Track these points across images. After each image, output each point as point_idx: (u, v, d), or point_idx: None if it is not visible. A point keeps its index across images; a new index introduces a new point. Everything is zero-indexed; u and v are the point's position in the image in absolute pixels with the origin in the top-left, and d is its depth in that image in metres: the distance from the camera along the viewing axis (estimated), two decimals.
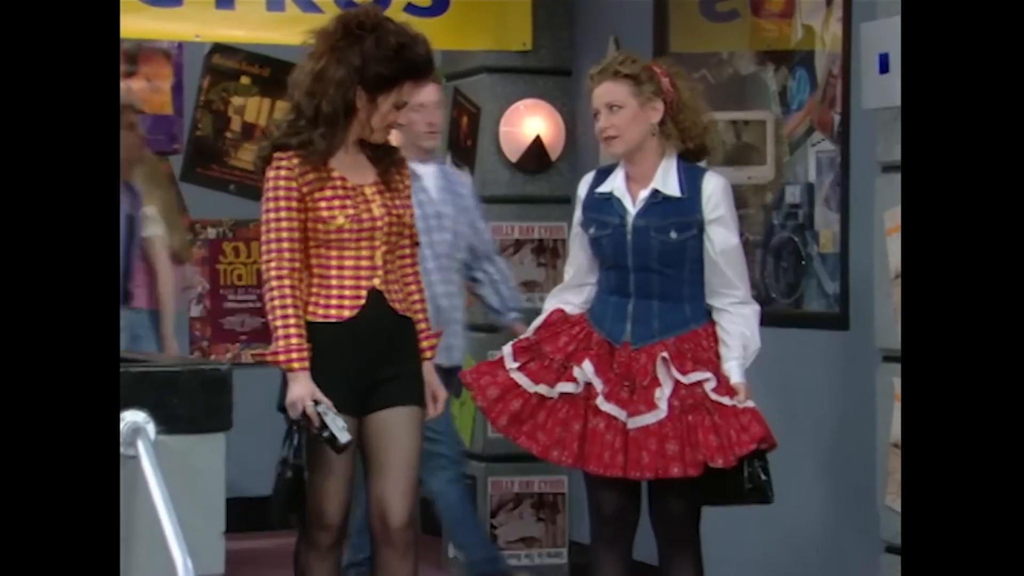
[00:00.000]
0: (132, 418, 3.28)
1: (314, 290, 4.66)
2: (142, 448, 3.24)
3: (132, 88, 8.00)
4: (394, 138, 4.99)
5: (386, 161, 4.75)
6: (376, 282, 4.66)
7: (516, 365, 4.88)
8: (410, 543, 4.75)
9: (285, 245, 4.60)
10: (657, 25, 6.69)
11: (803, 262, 6.06)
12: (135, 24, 6.27)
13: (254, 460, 7.62)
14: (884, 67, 4.90)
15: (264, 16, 6.67)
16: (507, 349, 4.92)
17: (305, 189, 4.62)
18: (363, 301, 4.64)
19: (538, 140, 7.11)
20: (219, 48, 8.14)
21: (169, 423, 3.35)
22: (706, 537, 4.93)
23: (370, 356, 4.67)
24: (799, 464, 5.94)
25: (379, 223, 4.65)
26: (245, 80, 8.27)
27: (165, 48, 8.11)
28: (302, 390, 4.55)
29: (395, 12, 6.72)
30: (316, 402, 4.53)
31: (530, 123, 7.09)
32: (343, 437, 4.50)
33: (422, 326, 4.83)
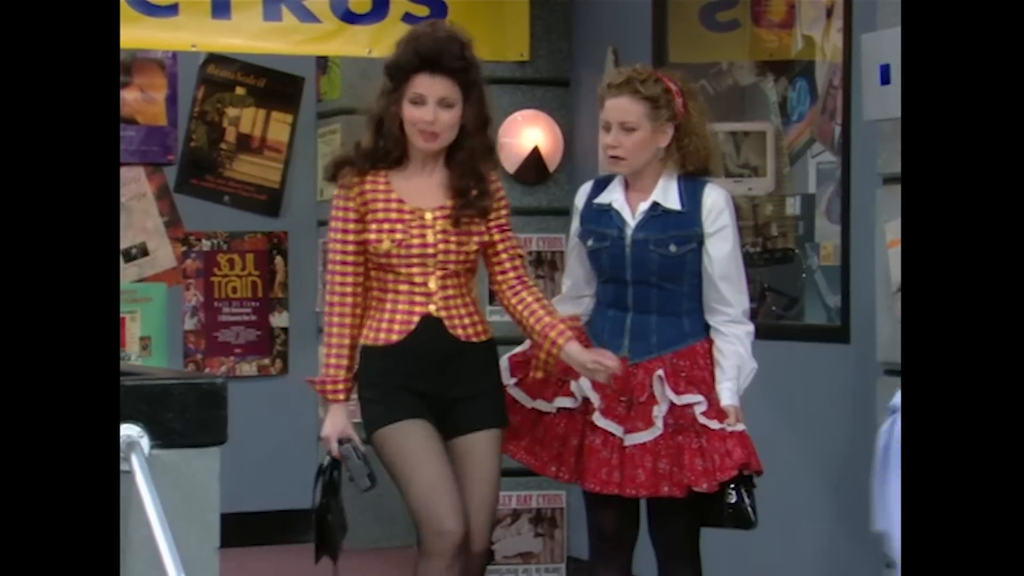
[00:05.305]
0: (126, 432, 3.29)
1: (372, 312, 4.64)
2: (136, 462, 3.25)
3: (126, 99, 8.01)
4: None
5: (468, 194, 4.60)
6: (432, 308, 4.59)
7: (513, 381, 4.84)
8: (484, 568, 4.71)
9: (338, 268, 4.62)
10: (656, 35, 6.71)
11: (803, 275, 6.06)
12: (131, 34, 6.26)
13: (249, 474, 7.63)
14: (885, 78, 4.91)
15: (261, 26, 6.68)
16: (504, 363, 4.87)
17: (362, 209, 4.60)
18: (413, 327, 4.58)
19: (536, 151, 7.09)
20: (214, 58, 8.15)
21: (164, 437, 3.36)
22: (707, 552, 4.90)
23: (432, 381, 4.60)
24: (800, 478, 5.93)
25: (430, 250, 4.57)
26: (240, 91, 8.27)
27: (159, 58, 8.11)
28: (331, 427, 4.62)
29: (393, 22, 6.74)
30: (348, 438, 4.58)
31: (528, 134, 7.07)
32: (361, 484, 4.53)
33: (551, 320, 4.66)
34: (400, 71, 4.57)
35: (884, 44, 4.88)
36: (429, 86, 4.53)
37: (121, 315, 8.00)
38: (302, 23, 6.68)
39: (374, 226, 4.57)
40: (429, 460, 4.53)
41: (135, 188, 8.12)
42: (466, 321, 4.63)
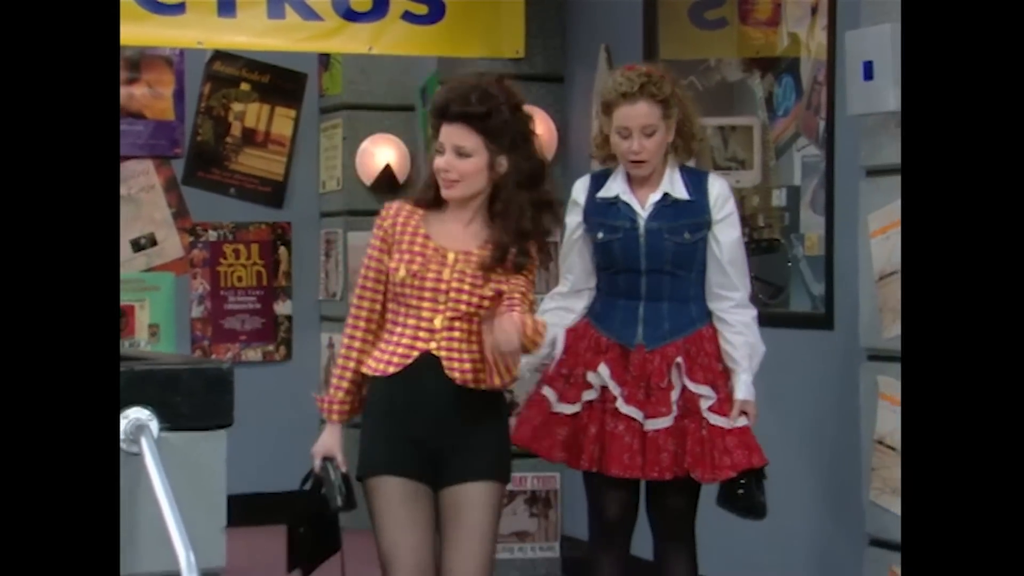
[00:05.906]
0: (136, 415, 3.31)
1: (381, 344, 4.54)
2: (145, 445, 3.27)
3: (135, 94, 8.12)
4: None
5: (506, 250, 4.46)
6: (432, 346, 4.45)
7: (556, 396, 4.87)
8: None
9: (357, 291, 4.59)
10: (647, 33, 6.71)
11: (789, 264, 6.09)
12: (139, 31, 6.31)
13: (255, 456, 7.75)
14: (868, 74, 4.91)
15: (265, 24, 6.72)
16: (550, 393, 4.88)
17: (390, 240, 4.53)
18: (410, 361, 4.46)
19: None
20: (220, 55, 8.23)
21: (172, 420, 3.37)
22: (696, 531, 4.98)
23: (427, 426, 4.47)
24: (785, 460, 5.98)
25: (443, 286, 4.45)
26: (245, 86, 8.35)
27: (167, 55, 8.19)
28: (319, 445, 4.59)
29: (393, 21, 6.81)
30: (331, 458, 4.55)
31: None
32: (332, 504, 4.50)
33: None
34: (432, 123, 4.56)
35: (867, 41, 4.91)
36: (446, 134, 4.47)
37: (130, 303, 8.10)
38: (305, 21, 6.72)
39: (396, 256, 4.50)
40: (391, 524, 4.46)
41: (144, 180, 8.20)
42: (467, 366, 4.46)
